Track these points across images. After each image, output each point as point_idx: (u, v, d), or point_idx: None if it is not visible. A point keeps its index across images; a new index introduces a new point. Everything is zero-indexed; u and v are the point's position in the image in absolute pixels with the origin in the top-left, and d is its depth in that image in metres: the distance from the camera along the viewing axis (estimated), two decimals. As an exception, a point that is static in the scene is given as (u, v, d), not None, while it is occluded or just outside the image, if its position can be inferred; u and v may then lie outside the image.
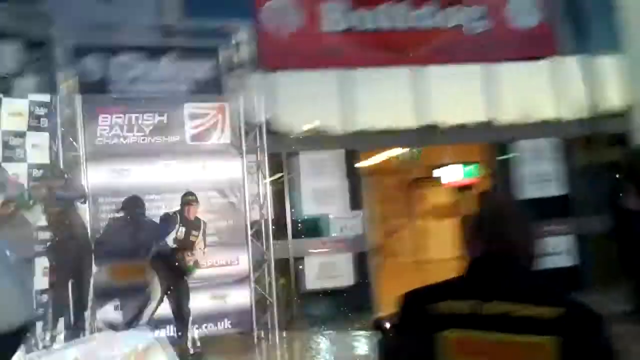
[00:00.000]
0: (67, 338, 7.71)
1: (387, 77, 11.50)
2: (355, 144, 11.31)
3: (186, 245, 8.28)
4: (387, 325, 5.54)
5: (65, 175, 8.32)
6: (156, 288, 8.28)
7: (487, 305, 2.10)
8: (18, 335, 3.49)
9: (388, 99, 11.50)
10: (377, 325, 5.41)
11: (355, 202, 11.13)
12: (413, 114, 11.60)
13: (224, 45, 9.82)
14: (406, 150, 14.50)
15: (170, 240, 8.23)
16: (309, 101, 11.38)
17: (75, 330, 8.00)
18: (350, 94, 11.30)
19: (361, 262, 10.90)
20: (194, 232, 8.39)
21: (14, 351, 3.96)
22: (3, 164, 7.78)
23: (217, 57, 9.66)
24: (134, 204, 8.89)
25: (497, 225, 2.25)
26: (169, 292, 8.29)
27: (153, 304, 8.34)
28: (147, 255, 8.38)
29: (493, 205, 2.42)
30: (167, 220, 8.33)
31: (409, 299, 2.28)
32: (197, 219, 8.49)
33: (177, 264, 8.21)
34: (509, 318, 2.06)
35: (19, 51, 8.24)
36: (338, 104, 11.31)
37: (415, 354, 2.14)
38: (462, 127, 12.08)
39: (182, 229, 8.30)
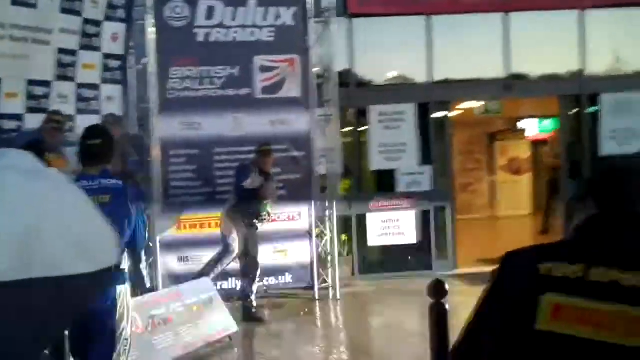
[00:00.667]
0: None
1: (473, 25, 11.25)
2: (434, 95, 11.18)
3: (263, 194, 8.40)
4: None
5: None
6: (235, 239, 8.46)
7: (595, 271, 1.93)
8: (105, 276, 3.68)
9: (473, 47, 11.26)
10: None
11: (426, 157, 11.05)
12: (499, 64, 11.36)
13: None
14: (488, 101, 14.21)
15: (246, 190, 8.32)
16: (389, 50, 11.24)
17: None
18: (433, 42, 11.12)
19: (427, 219, 10.87)
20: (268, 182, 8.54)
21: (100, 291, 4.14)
22: (78, 116, 8.05)
23: (305, 1, 9.52)
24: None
25: (616, 182, 2.07)
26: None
27: (231, 256, 8.54)
28: (223, 207, 8.54)
29: (610, 161, 2.22)
30: (243, 170, 8.46)
31: (511, 259, 2.11)
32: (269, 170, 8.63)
33: (253, 214, 8.33)
34: (620, 287, 1.89)
35: None
36: (419, 53, 11.15)
37: (511, 317, 1.99)
38: (550, 78, 11.73)
39: (260, 178, 8.42)
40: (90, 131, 4.73)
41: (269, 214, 8.52)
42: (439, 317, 4.35)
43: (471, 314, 2.10)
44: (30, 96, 7.61)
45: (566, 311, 1.92)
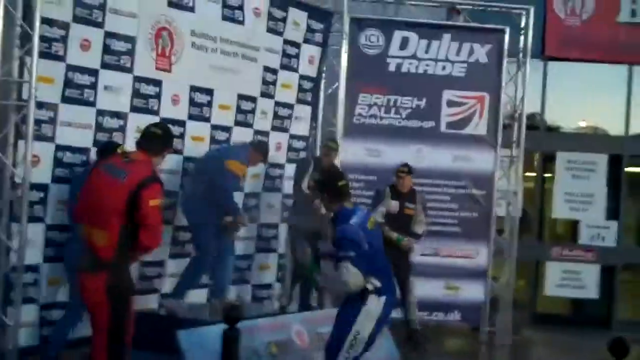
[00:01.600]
0: (301, 309, 7.98)
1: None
2: (627, 148, 10.63)
3: (400, 219, 8.15)
4: None
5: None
6: None
7: None
8: None
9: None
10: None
11: (613, 211, 10.52)
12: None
13: (509, 28, 9.40)
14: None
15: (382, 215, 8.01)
16: (583, 97, 10.86)
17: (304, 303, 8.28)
18: (631, 93, 10.62)
19: (609, 276, 10.31)
20: (408, 205, 8.26)
21: None
22: (271, 132, 8.33)
23: (502, 40, 9.35)
24: None
25: None
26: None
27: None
28: None
29: None
30: (377, 195, 8.30)
31: None
32: (412, 191, 8.33)
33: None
34: None
35: (303, 20, 8.57)
36: (616, 103, 10.68)
37: None
38: None
39: (396, 203, 8.23)
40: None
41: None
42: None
43: None
44: (240, 110, 7.93)
45: None
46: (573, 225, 10.65)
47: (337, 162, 8.40)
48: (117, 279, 4.61)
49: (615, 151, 10.64)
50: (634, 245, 11.23)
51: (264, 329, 6.15)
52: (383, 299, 5.05)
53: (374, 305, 5.02)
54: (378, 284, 5.03)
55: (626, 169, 10.70)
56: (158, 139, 4.87)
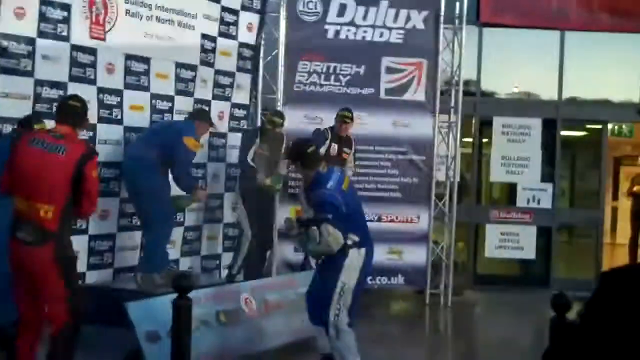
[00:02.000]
0: (247, 277, 8.01)
1: (609, 44, 10.85)
2: (562, 113, 10.86)
3: (336, 162, 8.06)
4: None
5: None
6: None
7: None
8: None
9: (607, 67, 10.89)
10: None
11: (548, 174, 10.76)
12: (634, 86, 10.91)
13: None
14: (617, 124, 13.68)
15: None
16: (518, 63, 11.00)
17: (255, 269, 8.31)
18: (564, 59, 10.80)
19: (546, 237, 10.58)
20: (345, 149, 8.44)
21: None
22: (212, 102, 8.23)
23: (438, 6, 9.43)
24: None
25: None
26: None
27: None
28: None
29: None
30: (318, 135, 8.37)
31: (611, 279, 2.03)
32: (348, 137, 8.51)
33: None
34: None
35: None
36: (548, 68, 10.86)
37: (615, 340, 1.91)
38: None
39: (335, 145, 8.33)
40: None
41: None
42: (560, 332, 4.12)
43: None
44: (179, 79, 7.77)
45: None
46: (510, 189, 10.85)
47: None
48: (63, 248, 4.83)
49: (549, 115, 10.85)
50: (568, 207, 11.54)
51: (213, 298, 6.13)
52: (363, 250, 5.54)
53: (355, 257, 5.50)
54: (356, 238, 5.49)
55: (561, 133, 10.92)
56: (78, 111, 5.03)
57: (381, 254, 8.91)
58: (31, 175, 4.74)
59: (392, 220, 9.18)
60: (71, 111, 4.99)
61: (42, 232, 4.72)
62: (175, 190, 7.08)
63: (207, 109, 7.96)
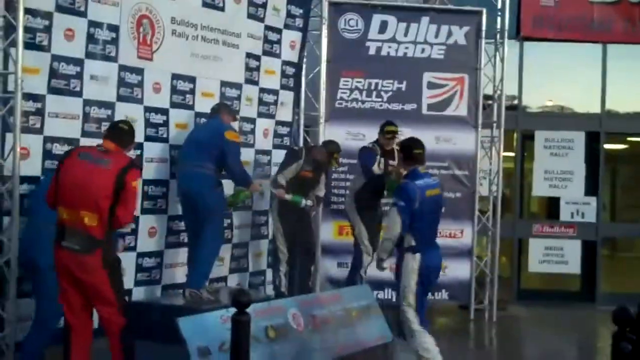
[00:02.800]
0: (292, 293, 8.00)
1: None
2: (605, 126, 10.78)
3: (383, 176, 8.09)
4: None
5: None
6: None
7: None
8: None
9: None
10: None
11: (591, 188, 10.68)
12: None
13: (486, 10, 9.52)
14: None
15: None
16: (558, 76, 10.94)
17: (300, 286, 8.32)
18: (606, 71, 10.74)
19: (590, 251, 10.48)
20: (391, 162, 8.21)
21: None
22: (257, 119, 8.31)
23: (479, 21, 9.45)
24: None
25: None
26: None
27: (368, 259, 8.24)
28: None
29: None
30: (369, 154, 8.24)
31: None
32: (392, 149, 8.24)
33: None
34: None
35: (283, 6, 8.51)
36: (590, 80, 10.81)
37: None
38: None
39: (382, 160, 8.21)
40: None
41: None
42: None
43: None
44: (225, 97, 7.82)
45: None
46: (553, 203, 10.77)
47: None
48: (110, 253, 5.10)
49: (592, 128, 10.78)
50: (611, 221, 11.42)
51: (261, 313, 6.15)
52: (417, 255, 5.88)
53: (410, 260, 5.90)
54: (413, 242, 5.89)
55: (604, 146, 10.83)
56: (126, 134, 5.33)
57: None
58: (77, 185, 4.97)
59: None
60: (118, 131, 5.32)
61: (90, 240, 4.95)
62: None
63: (219, 102, 7.68)
